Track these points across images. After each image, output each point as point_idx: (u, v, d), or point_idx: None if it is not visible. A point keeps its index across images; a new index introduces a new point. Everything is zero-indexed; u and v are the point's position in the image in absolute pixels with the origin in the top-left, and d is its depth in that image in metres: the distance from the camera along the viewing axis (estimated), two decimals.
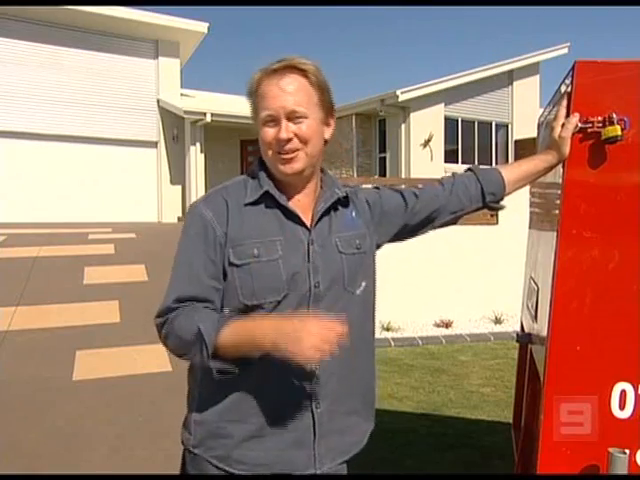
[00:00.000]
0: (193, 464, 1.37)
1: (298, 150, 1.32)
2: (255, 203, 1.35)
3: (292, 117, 1.30)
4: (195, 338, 1.23)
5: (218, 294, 1.32)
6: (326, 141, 1.40)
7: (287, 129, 1.30)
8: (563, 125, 1.53)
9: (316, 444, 1.35)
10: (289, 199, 1.37)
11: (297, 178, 1.36)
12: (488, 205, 1.59)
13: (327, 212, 1.40)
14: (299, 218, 1.36)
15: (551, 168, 1.58)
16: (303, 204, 1.39)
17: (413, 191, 1.54)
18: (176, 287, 1.32)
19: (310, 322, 1.18)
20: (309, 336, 1.14)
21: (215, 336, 1.22)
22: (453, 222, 1.59)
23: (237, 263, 1.30)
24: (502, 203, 1.61)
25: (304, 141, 1.32)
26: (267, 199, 1.35)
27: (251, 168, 1.42)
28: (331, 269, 1.35)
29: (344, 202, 1.44)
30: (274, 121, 1.31)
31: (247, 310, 1.30)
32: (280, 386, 1.32)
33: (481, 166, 1.64)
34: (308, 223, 1.37)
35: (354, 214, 1.45)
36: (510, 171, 1.60)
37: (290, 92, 1.30)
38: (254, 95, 1.34)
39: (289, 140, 1.30)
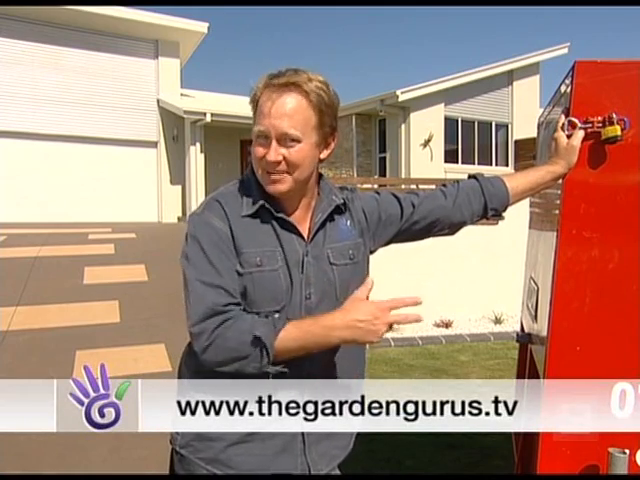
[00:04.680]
0: (182, 464, 1.36)
1: (285, 173, 1.29)
2: (252, 216, 1.33)
3: (283, 139, 1.27)
4: (253, 346, 1.21)
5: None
6: (322, 159, 1.37)
7: (276, 151, 1.27)
8: (571, 134, 1.51)
9: (307, 451, 1.35)
10: (285, 211, 1.35)
11: (286, 194, 1.33)
12: (488, 218, 1.58)
13: (324, 223, 1.38)
14: (296, 229, 1.34)
15: (558, 179, 1.56)
16: (299, 215, 1.37)
17: (412, 200, 1.49)
18: (207, 295, 1.26)
19: (374, 311, 1.24)
20: (383, 325, 1.24)
21: (274, 341, 1.22)
22: (450, 233, 1.57)
23: (241, 271, 1.29)
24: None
25: (292, 166, 1.29)
26: (264, 212, 1.33)
27: (244, 178, 1.39)
28: (322, 281, 1.34)
29: (340, 210, 1.41)
30: (266, 138, 1.28)
31: None
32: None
33: (486, 174, 1.59)
34: (305, 234, 1.35)
35: (348, 223, 1.42)
36: (516, 182, 1.56)
37: (286, 113, 1.26)
38: (254, 103, 1.31)
39: (277, 163, 1.28)
